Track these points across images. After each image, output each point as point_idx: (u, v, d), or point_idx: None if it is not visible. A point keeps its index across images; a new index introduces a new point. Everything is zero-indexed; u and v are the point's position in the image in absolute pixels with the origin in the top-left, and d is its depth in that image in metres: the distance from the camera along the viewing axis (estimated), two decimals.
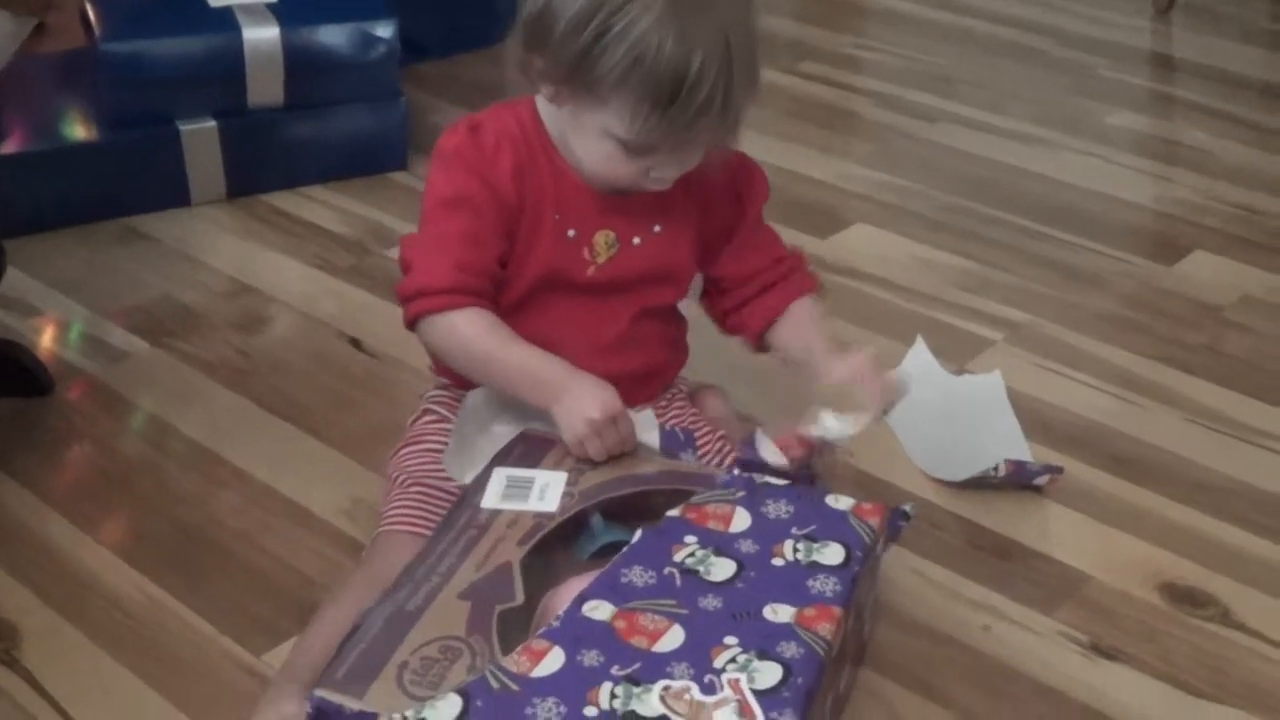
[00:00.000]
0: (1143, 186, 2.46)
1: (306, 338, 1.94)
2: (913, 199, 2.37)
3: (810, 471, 1.40)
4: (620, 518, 1.33)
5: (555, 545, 1.28)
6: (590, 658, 1.14)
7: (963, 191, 2.39)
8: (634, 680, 1.13)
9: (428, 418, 1.52)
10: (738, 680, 1.13)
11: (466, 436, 1.42)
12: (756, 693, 1.12)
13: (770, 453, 1.39)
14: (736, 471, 1.37)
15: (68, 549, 1.54)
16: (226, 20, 2.23)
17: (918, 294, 2.08)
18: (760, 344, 1.56)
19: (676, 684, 1.13)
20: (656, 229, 1.47)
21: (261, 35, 2.22)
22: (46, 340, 1.92)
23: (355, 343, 1.92)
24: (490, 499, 1.32)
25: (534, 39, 1.35)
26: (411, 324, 1.43)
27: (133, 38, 2.20)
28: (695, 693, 1.12)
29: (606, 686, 1.12)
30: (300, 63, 2.25)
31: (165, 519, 1.59)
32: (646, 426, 1.43)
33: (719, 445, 1.51)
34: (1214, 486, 1.68)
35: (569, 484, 1.34)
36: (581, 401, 1.36)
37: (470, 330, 1.40)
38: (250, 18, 2.23)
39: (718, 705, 1.11)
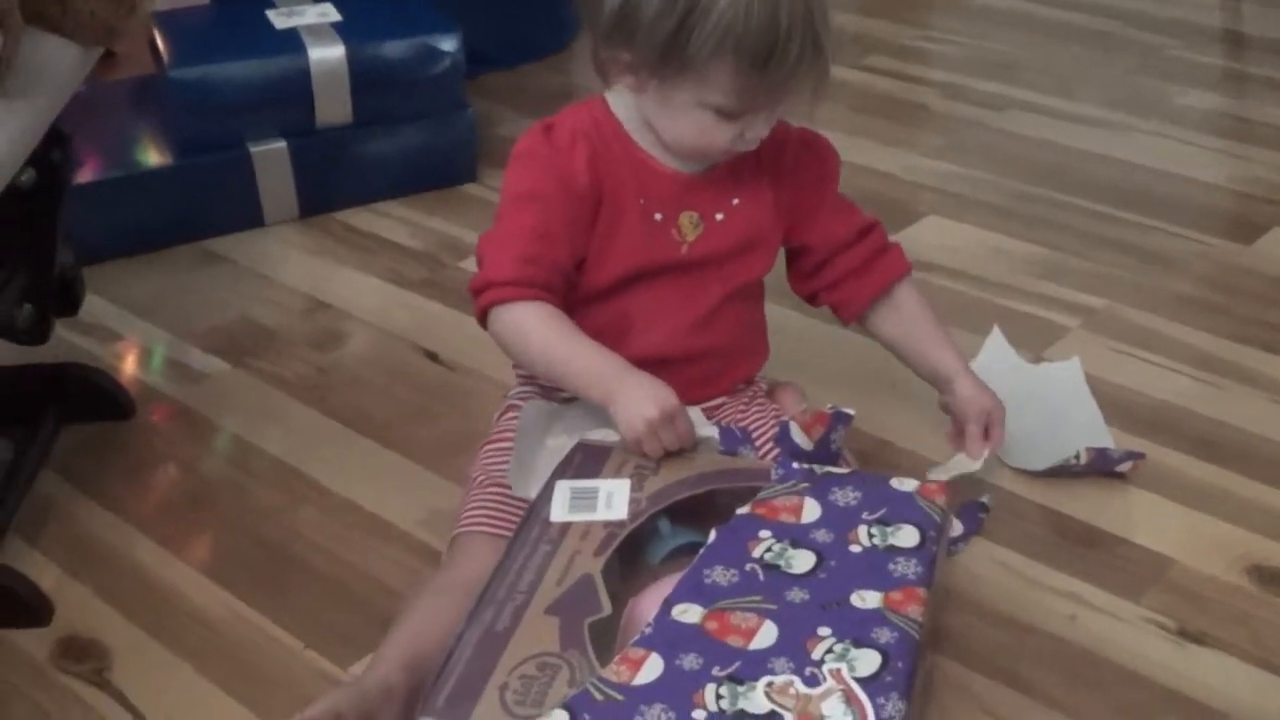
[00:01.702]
0: (1217, 166, 2.43)
1: (382, 352, 1.95)
2: (983, 189, 2.35)
3: (834, 447, 1.42)
4: (685, 519, 1.33)
5: (626, 552, 1.28)
6: (689, 661, 1.14)
7: (1033, 179, 2.37)
8: (736, 679, 1.13)
9: (510, 414, 1.53)
10: (839, 670, 1.13)
11: (523, 452, 1.43)
12: (859, 680, 1.12)
13: (799, 437, 1.41)
14: (795, 465, 1.37)
15: (153, 569, 1.55)
16: (292, 41, 2.25)
17: (992, 284, 2.06)
18: (854, 321, 1.64)
19: (779, 679, 1.13)
20: (735, 202, 1.50)
21: (327, 54, 2.23)
22: (128, 364, 1.94)
23: (431, 355, 1.93)
24: (558, 512, 1.32)
25: (620, 33, 1.38)
26: (481, 316, 1.45)
27: (201, 63, 2.23)
28: (799, 686, 1.12)
29: (710, 688, 1.12)
30: (366, 80, 2.27)
31: (248, 535, 1.60)
32: (701, 424, 1.43)
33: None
34: None
35: (634, 490, 1.34)
36: (639, 400, 1.37)
37: (532, 322, 1.41)
38: (315, 38, 2.25)
39: (824, 696, 1.11)
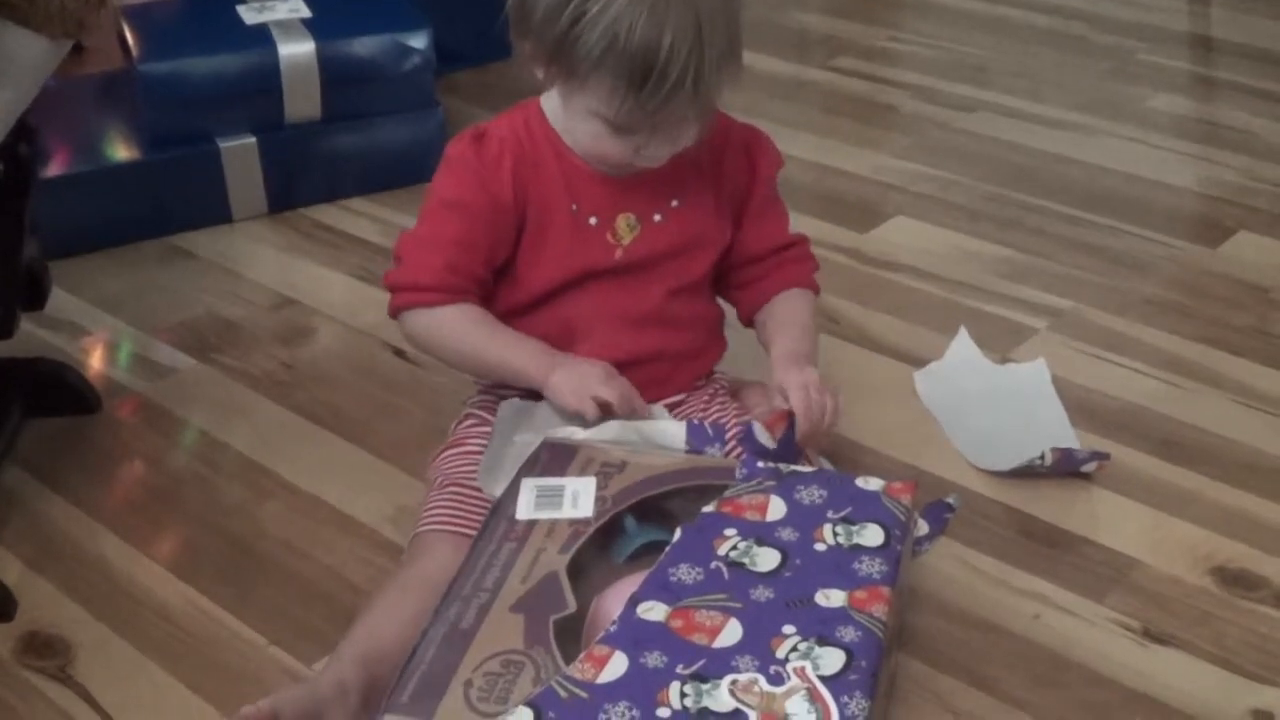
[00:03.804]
0: (1185, 169, 2.44)
1: (350, 348, 1.95)
2: (952, 190, 2.36)
3: (797, 446, 1.42)
4: (651, 517, 1.33)
5: (591, 550, 1.28)
6: (653, 659, 1.14)
7: (1003, 180, 2.38)
8: (700, 677, 1.13)
9: (469, 421, 1.53)
10: (803, 668, 1.13)
11: (495, 450, 1.43)
12: (823, 678, 1.12)
13: (763, 436, 1.41)
14: (760, 463, 1.37)
15: (118, 564, 1.55)
16: (262, 37, 2.25)
17: (959, 284, 2.07)
18: (748, 323, 1.62)
19: (743, 677, 1.13)
20: (674, 203, 1.50)
21: (297, 50, 2.23)
22: (95, 359, 1.94)
23: (398, 352, 1.92)
24: (523, 510, 1.32)
25: (518, 24, 1.39)
26: (396, 312, 1.49)
27: (170, 58, 2.22)
28: (763, 684, 1.12)
29: (675, 686, 1.12)
30: (336, 76, 2.26)
31: (214, 531, 1.60)
32: (665, 418, 1.44)
33: None
34: (1264, 468, 1.66)
35: (599, 488, 1.34)
36: (577, 366, 1.42)
37: (458, 322, 1.46)
38: (285, 33, 2.25)
39: (788, 694, 1.11)
